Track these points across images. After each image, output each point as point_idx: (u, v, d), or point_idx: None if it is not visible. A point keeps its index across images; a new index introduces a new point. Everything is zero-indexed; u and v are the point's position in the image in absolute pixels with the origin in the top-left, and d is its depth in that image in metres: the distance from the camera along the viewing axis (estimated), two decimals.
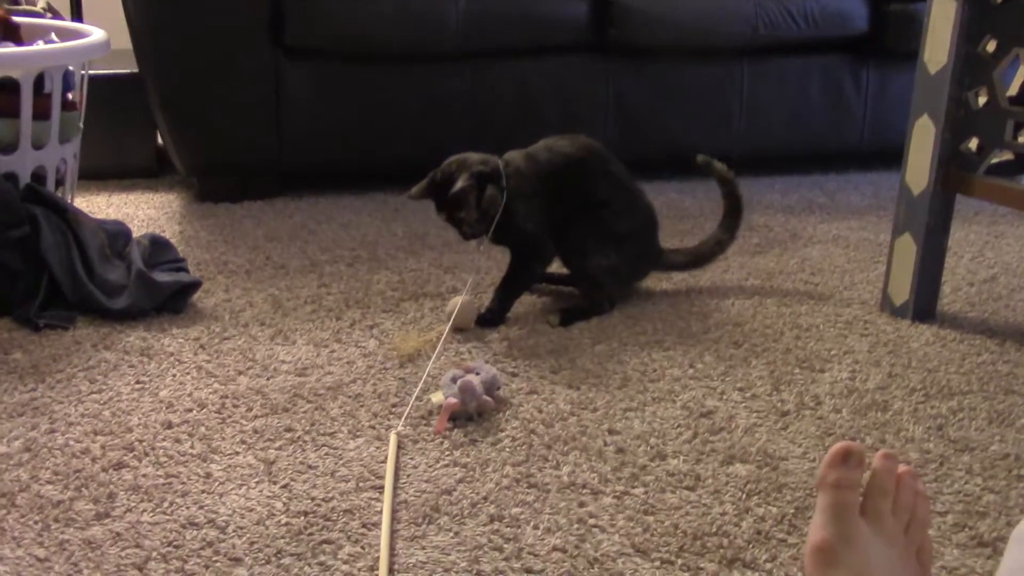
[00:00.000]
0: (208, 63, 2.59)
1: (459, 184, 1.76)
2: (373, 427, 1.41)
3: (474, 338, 1.76)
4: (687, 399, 1.52)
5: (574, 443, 1.38)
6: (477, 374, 1.48)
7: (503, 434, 1.40)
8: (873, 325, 1.87)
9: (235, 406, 1.47)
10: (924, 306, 1.90)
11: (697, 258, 2.05)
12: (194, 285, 1.89)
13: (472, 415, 1.44)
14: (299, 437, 1.38)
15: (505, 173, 1.84)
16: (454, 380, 1.46)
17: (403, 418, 1.43)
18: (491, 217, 1.81)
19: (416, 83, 2.78)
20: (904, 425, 1.46)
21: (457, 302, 1.79)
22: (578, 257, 1.91)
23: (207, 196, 2.67)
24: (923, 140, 1.83)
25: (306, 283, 2.04)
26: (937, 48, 1.79)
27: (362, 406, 1.47)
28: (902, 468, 0.82)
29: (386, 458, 1.32)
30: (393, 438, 1.37)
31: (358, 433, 1.39)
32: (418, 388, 1.53)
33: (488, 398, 1.45)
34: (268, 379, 1.56)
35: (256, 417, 1.43)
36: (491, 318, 1.84)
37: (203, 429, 1.40)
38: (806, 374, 1.63)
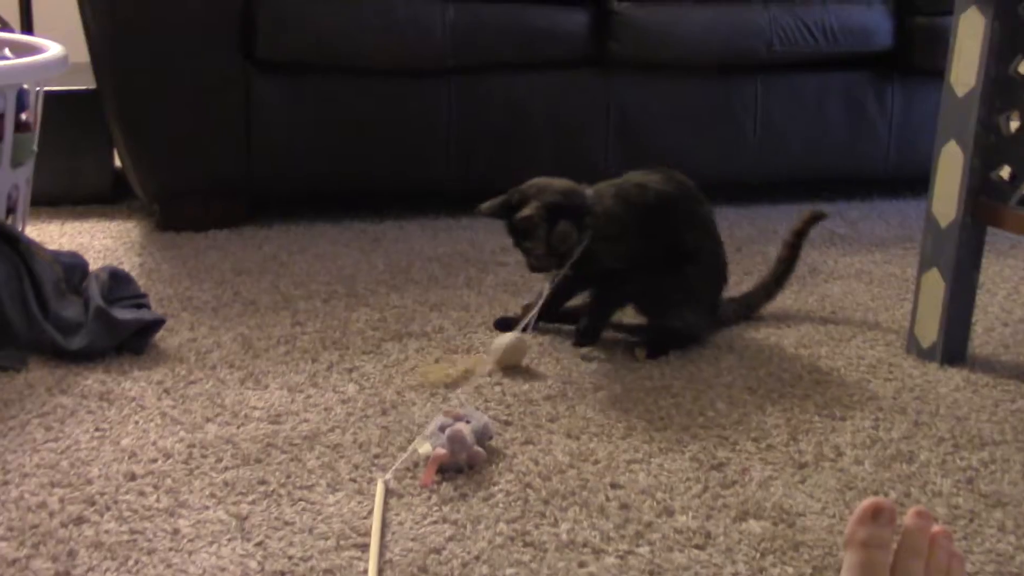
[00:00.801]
0: (172, 78, 2.63)
1: (525, 211, 1.84)
2: (354, 480, 1.45)
3: (463, 382, 1.80)
4: (696, 450, 1.56)
5: (573, 498, 1.42)
6: (467, 422, 1.52)
7: (496, 488, 1.44)
8: (898, 369, 1.91)
9: (203, 456, 1.50)
10: (954, 348, 1.95)
11: (747, 309, 2.15)
12: (157, 323, 1.93)
13: (462, 467, 1.47)
14: (273, 491, 1.41)
15: (592, 211, 1.90)
16: (442, 429, 1.50)
17: (393, 468, 1.47)
18: (562, 254, 1.88)
19: (399, 100, 2.82)
20: (931, 478, 1.50)
21: (506, 339, 1.86)
22: (655, 313, 2.00)
23: (169, 224, 2.71)
24: (950, 168, 1.88)
25: (278, 321, 2.08)
26: (964, 68, 1.84)
27: (341, 457, 1.51)
28: (936, 528, 0.84)
29: (369, 513, 1.36)
30: (380, 486, 1.41)
31: (337, 486, 1.43)
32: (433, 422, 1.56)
33: (479, 449, 1.49)
34: (238, 427, 1.60)
35: (226, 468, 1.47)
36: (589, 335, 1.95)
37: (169, 481, 1.43)
38: (826, 422, 1.67)
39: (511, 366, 1.86)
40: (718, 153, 3.05)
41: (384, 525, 1.33)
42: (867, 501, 0.81)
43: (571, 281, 1.97)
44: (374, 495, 1.40)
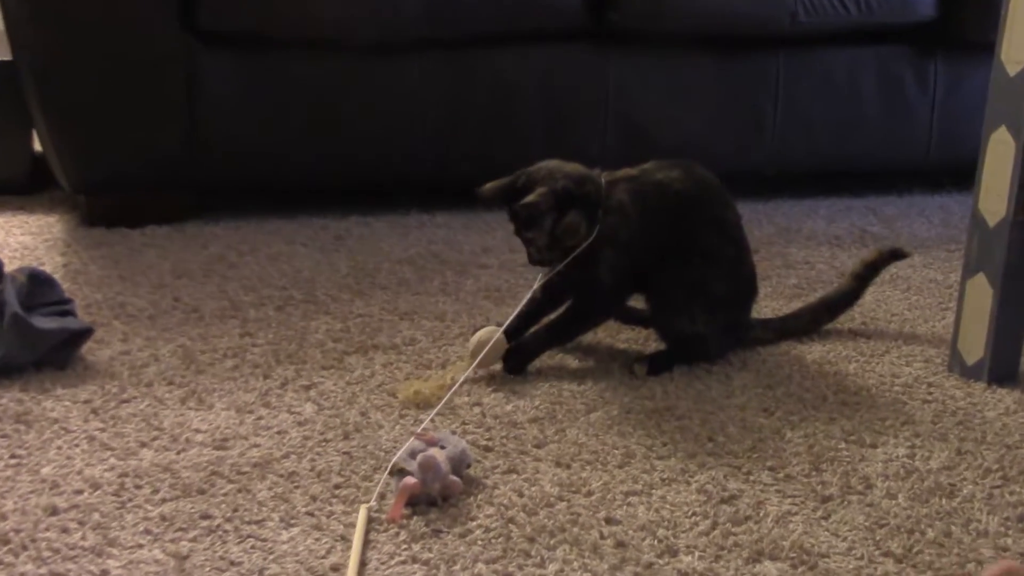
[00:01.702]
0: (102, 52, 2.63)
1: (530, 197, 1.86)
2: (311, 514, 1.45)
3: (437, 395, 1.81)
4: (704, 480, 1.57)
5: (563, 535, 1.42)
6: (442, 447, 1.52)
7: (474, 523, 1.44)
8: (939, 389, 1.93)
9: (137, 487, 1.50)
10: (1003, 366, 1.96)
11: (785, 334, 2.16)
12: (84, 333, 1.93)
13: (435, 499, 1.48)
14: (218, 526, 1.42)
15: (606, 204, 1.93)
16: (413, 455, 1.51)
17: (376, 492, 1.48)
18: (566, 249, 1.91)
19: (366, 78, 2.83)
20: (975, 515, 1.51)
21: (485, 335, 1.90)
22: (661, 312, 2.02)
23: (98, 219, 2.71)
24: (1000, 158, 1.89)
25: (225, 331, 2.09)
26: (1018, 43, 1.85)
27: (297, 487, 1.52)
28: None
29: (328, 551, 1.36)
30: (362, 513, 1.42)
31: (292, 521, 1.44)
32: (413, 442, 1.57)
33: (455, 478, 1.50)
34: (179, 453, 1.60)
35: (164, 501, 1.47)
36: (518, 361, 1.94)
37: (97, 516, 1.43)
38: (854, 450, 1.68)
39: (490, 366, 1.91)
40: (732, 141, 3.07)
41: (363, 564, 1.34)
42: (1001, 565, 0.79)
43: (559, 287, 1.99)
44: (335, 530, 1.40)
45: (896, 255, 2.20)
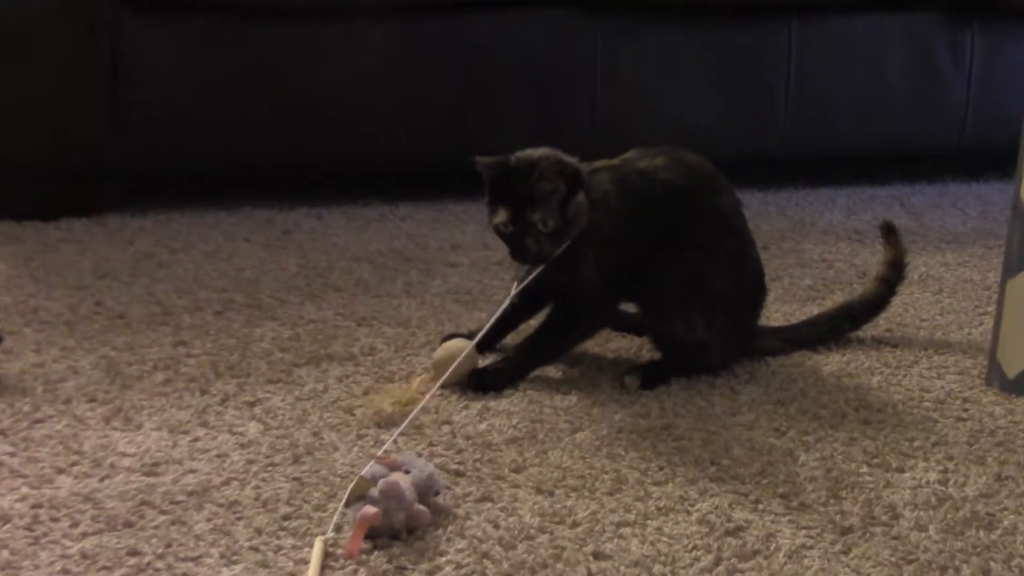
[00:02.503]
0: (6, 16, 2.61)
1: (545, 165, 1.86)
2: (256, 549, 1.45)
3: (400, 412, 1.81)
4: (706, 509, 1.58)
5: (545, 572, 1.43)
6: (406, 472, 1.52)
7: (444, 559, 1.44)
8: (975, 405, 1.94)
9: (54, 519, 1.50)
10: None
11: (798, 343, 2.17)
12: None
13: (399, 531, 1.48)
14: (148, 564, 1.41)
15: (591, 196, 1.94)
16: (374, 481, 1.51)
17: (333, 522, 1.48)
18: (565, 239, 1.91)
19: (318, 48, 2.83)
20: (1018, 548, 1.52)
21: (454, 346, 1.90)
22: (654, 316, 2.03)
23: (6, 212, 2.70)
24: None
25: (156, 340, 2.08)
26: None
27: (240, 518, 1.51)
28: None
29: None
30: (317, 546, 1.42)
31: (234, 558, 1.43)
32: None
33: (422, 507, 1.50)
34: (102, 480, 1.60)
35: (85, 535, 1.47)
36: (493, 381, 1.94)
37: (6, 554, 1.43)
38: (877, 474, 1.69)
39: (460, 381, 1.91)
40: (738, 121, 3.07)
41: None
42: None
43: (538, 291, 2.00)
44: (283, 567, 1.40)
45: (891, 231, 2.20)
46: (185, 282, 2.37)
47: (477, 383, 1.93)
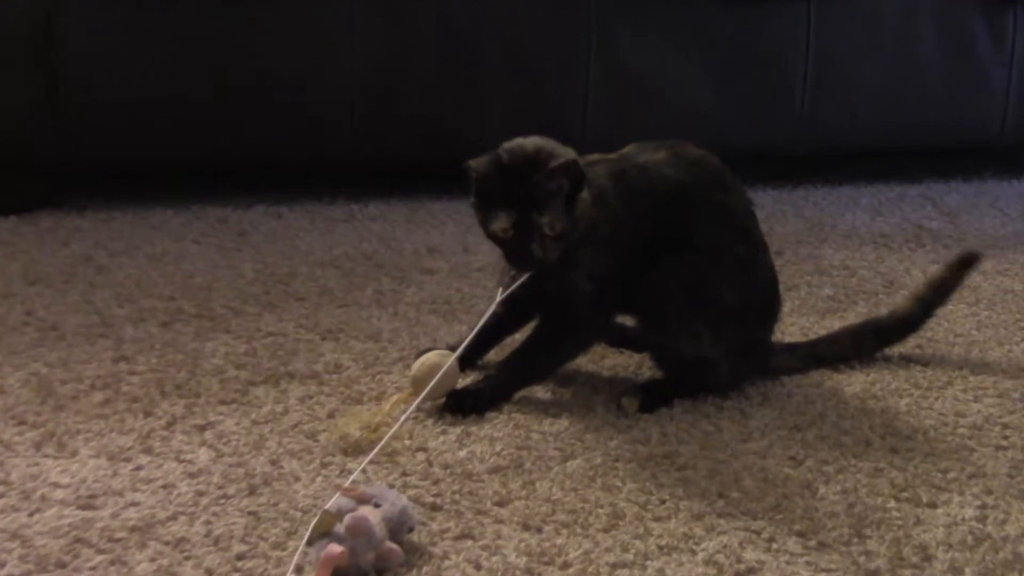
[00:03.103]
0: None
1: (555, 163, 1.85)
2: None
3: (370, 437, 1.80)
4: (713, 549, 1.57)
5: None
6: (376, 506, 1.51)
7: None
8: (1017, 432, 1.93)
9: None
10: None
11: (816, 361, 2.16)
12: None
13: (368, 572, 1.47)
14: None
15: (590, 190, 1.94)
16: (339, 515, 1.50)
17: (294, 563, 1.47)
18: (568, 240, 1.90)
19: (283, 28, 2.82)
20: None
21: (433, 360, 1.89)
22: (655, 330, 2.02)
23: None
24: None
25: (94, 355, 2.07)
26: None
27: (188, 558, 1.50)
28: None
29: None
30: None
31: None
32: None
33: (394, 545, 1.49)
34: (31, 515, 1.58)
35: None
36: (473, 403, 1.92)
37: None
38: (907, 510, 1.68)
39: (439, 400, 1.91)
40: (751, 110, 3.07)
41: None
42: None
43: (525, 300, 1.99)
44: None
45: (968, 262, 2.19)
46: (127, 289, 2.36)
47: (455, 405, 1.91)
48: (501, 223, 1.88)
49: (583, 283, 1.95)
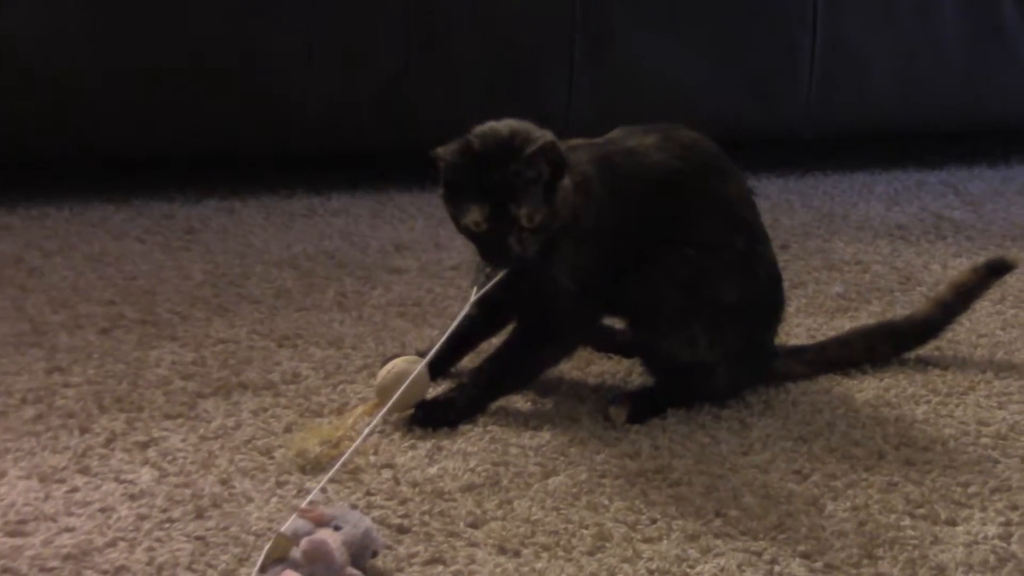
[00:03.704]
0: None
1: (538, 144, 1.85)
2: None
3: (331, 453, 1.80)
4: (710, 572, 1.58)
5: None
6: (337, 528, 1.52)
7: None
8: None
9: None
10: None
11: (825, 366, 2.16)
12: None
13: None
14: None
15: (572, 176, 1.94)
16: (296, 539, 1.51)
17: None
18: (548, 232, 1.90)
19: None
20: None
21: (401, 367, 1.90)
22: (646, 332, 2.03)
23: None
24: None
25: (24, 366, 2.07)
26: None
27: None
28: None
29: None
30: None
31: None
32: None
33: (356, 572, 1.49)
34: None
35: None
36: (444, 414, 1.94)
37: None
38: (923, 528, 1.69)
39: (407, 410, 1.91)
40: (753, 90, 3.08)
41: None
42: None
43: (501, 301, 2.00)
44: None
45: (998, 269, 2.20)
46: (62, 293, 2.36)
47: (425, 417, 1.92)
48: (474, 216, 1.88)
49: (565, 281, 1.96)
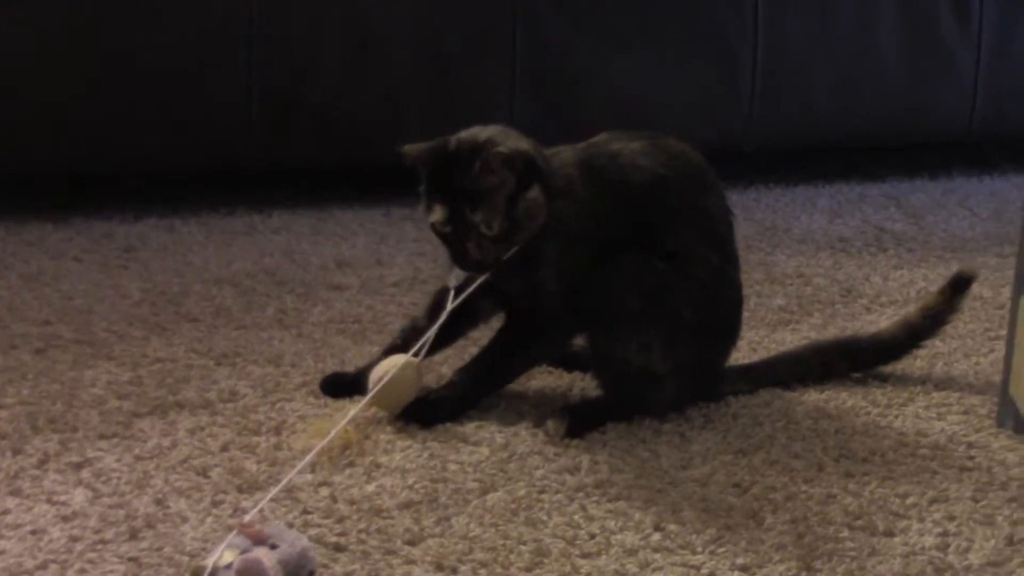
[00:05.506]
0: None
1: (500, 149, 1.86)
2: None
3: (268, 472, 1.81)
4: None
5: None
6: (273, 547, 1.52)
7: None
8: (983, 451, 1.96)
9: None
10: None
11: (775, 385, 2.16)
12: None
13: None
14: None
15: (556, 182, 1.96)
16: (234, 551, 1.50)
17: None
18: (514, 243, 1.92)
19: (164, 11, 2.81)
20: None
21: (395, 365, 1.93)
22: (603, 334, 2.03)
23: None
24: None
25: None
26: None
27: None
28: None
29: None
30: None
31: None
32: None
33: None
34: None
35: None
36: (435, 412, 1.97)
37: None
38: (861, 540, 1.70)
39: (392, 410, 1.95)
40: (695, 104, 3.09)
41: None
42: None
43: (480, 301, 2.02)
44: None
45: (960, 285, 2.19)
46: None
47: (418, 414, 1.95)
48: (436, 216, 1.91)
49: (552, 282, 1.98)
